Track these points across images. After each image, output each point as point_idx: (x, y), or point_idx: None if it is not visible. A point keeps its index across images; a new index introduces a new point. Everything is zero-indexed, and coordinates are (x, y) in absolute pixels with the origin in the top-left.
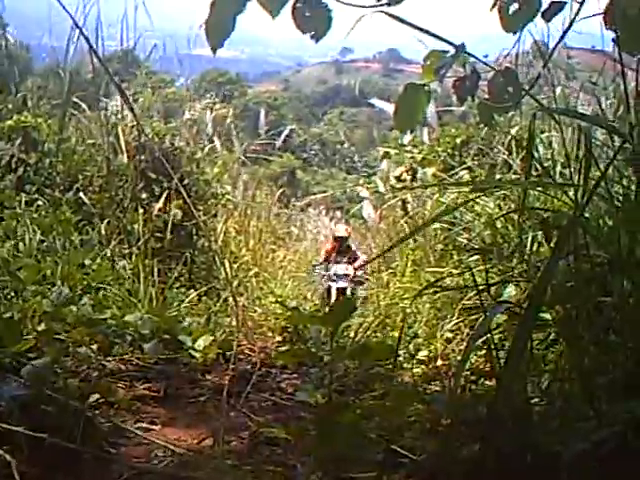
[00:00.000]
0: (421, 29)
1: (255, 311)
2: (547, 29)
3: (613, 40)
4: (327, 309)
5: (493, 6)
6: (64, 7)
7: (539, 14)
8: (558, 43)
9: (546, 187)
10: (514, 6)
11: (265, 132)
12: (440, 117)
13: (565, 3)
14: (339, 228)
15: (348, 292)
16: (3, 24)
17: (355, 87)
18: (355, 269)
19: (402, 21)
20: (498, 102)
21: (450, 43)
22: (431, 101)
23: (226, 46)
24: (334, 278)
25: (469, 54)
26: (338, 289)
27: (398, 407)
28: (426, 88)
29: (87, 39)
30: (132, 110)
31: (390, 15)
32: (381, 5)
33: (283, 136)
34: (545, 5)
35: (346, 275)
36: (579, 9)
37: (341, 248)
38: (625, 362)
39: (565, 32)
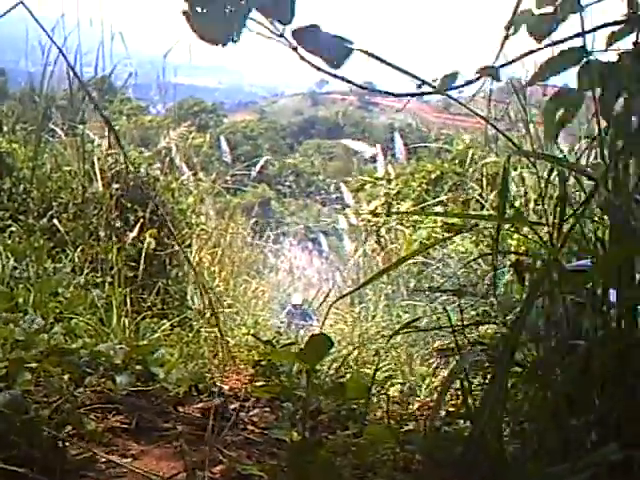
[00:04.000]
0: (395, 67)
1: (228, 342)
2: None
3: None
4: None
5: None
6: (46, 32)
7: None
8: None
9: (519, 225)
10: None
11: (240, 162)
12: (415, 152)
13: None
14: None
15: None
16: None
17: (335, 118)
18: None
19: (378, 59)
20: None
21: (424, 82)
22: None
23: (203, 75)
24: None
25: (441, 93)
26: None
27: (372, 445)
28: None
29: (69, 64)
30: (117, 137)
31: (366, 52)
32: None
33: (258, 166)
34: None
35: None
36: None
37: None
38: (599, 404)
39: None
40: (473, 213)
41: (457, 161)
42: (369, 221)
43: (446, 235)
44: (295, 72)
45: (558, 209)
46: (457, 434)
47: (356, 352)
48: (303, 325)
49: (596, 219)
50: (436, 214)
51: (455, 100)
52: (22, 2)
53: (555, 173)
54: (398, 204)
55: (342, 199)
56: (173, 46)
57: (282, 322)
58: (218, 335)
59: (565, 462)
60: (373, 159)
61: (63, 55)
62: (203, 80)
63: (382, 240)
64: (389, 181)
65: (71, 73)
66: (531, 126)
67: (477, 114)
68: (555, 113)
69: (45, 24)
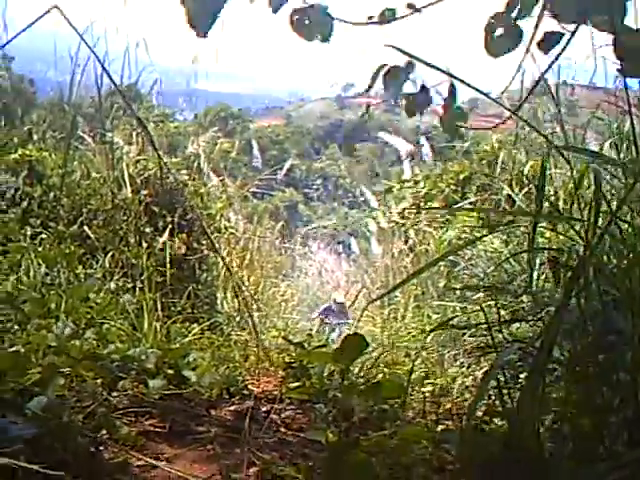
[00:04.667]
0: (424, 62)
1: (262, 341)
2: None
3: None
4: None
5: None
6: (80, 34)
7: (530, 45)
8: (546, 70)
9: (556, 222)
10: (499, 30)
11: (268, 167)
12: (443, 153)
13: (562, 35)
14: None
15: None
16: (9, 58)
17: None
18: None
19: (406, 53)
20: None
21: (450, 74)
22: (425, 139)
23: (230, 82)
24: None
25: (473, 87)
26: None
27: (407, 445)
28: None
29: (104, 67)
30: (151, 139)
31: (396, 48)
32: (372, 23)
33: (285, 169)
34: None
35: None
36: (569, 40)
37: None
38: (636, 401)
39: (553, 62)
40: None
41: (485, 162)
42: (397, 223)
43: (477, 235)
44: (322, 78)
45: (593, 205)
46: (494, 432)
47: (387, 354)
48: (338, 324)
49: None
50: (471, 210)
51: (491, 99)
52: (57, 6)
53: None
54: (426, 206)
55: (367, 202)
56: (199, 53)
57: (314, 319)
58: (253, 334)
59: (604, 459)
60: (411, 156)
61: (97, 57)
62: (229, 86)
63: (411, 241)
64: (416, 182)
65: (99, 81)
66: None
67: (513, 112)
68: None
69: (72, 33)
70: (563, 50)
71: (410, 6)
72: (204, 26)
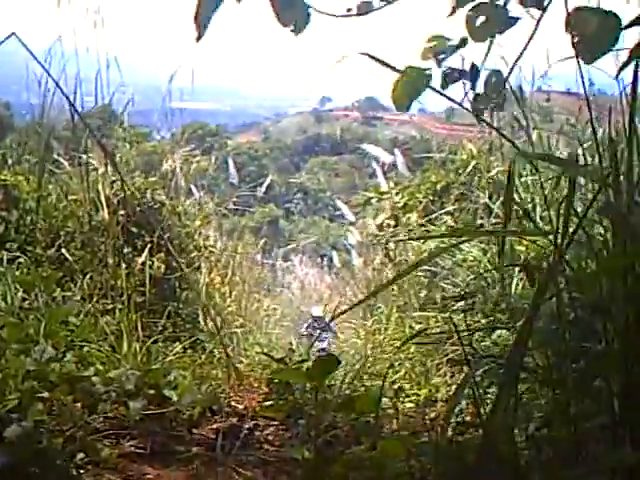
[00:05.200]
0: (399, 71)
1: (241, 362)
2: (520, 74)
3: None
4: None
5: (451, 13)
6: (41, 64)
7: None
8: (518, 58)
9: (523, 236)
10: (481, 18)
11: (246, 183)
12: (421, 163)
13: (517, 19)
14: None
15: None
16: None
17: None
18: None
19: (383, 63)
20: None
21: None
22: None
23: (206, 99)
24: None
25: (447, 97)
26: None
27: (386, 459)
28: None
29: (66, 96)
30: (114, 164)
31: (372, 57)
32: (350, 15)
33: (264, 187)
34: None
35: None
36: (535, 28)
37: None
38: (611, 407)
39: (525, 47)
40: (479, 224)
41: (462, 171)
42: (376, 236)
43: (453, 242)
44: (299, 91)
45: (563, 213)
46: (469, 443)
47: (370, 365)
48: (325, 338)
49: (599, 221)
50: (441, 236)
51: (465, 109)
52: (14, 33)
53: (556, 177)
54: (406, 217)
55: (344, 216)
56: (176, 71)
57: (302, 335)
58: (229, 356)
59: (580, 466)
60: (388, 167)
61: (60, 88)
62: (206, 104)
63: (391, 253)
64: (395, 194)
65: (72, 103)
66: (534, 133)
67: (486, 122)
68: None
69: (41, 54)
70: (530, 39)
71: None
72: (205, 24)
